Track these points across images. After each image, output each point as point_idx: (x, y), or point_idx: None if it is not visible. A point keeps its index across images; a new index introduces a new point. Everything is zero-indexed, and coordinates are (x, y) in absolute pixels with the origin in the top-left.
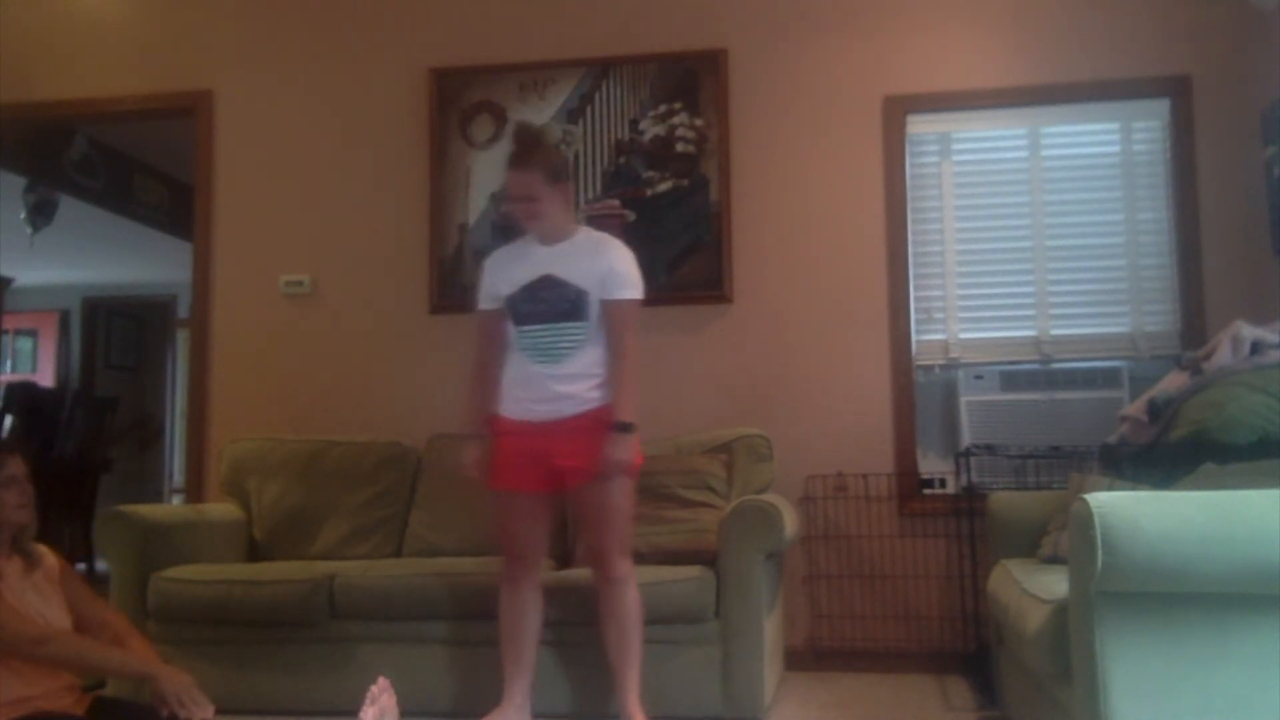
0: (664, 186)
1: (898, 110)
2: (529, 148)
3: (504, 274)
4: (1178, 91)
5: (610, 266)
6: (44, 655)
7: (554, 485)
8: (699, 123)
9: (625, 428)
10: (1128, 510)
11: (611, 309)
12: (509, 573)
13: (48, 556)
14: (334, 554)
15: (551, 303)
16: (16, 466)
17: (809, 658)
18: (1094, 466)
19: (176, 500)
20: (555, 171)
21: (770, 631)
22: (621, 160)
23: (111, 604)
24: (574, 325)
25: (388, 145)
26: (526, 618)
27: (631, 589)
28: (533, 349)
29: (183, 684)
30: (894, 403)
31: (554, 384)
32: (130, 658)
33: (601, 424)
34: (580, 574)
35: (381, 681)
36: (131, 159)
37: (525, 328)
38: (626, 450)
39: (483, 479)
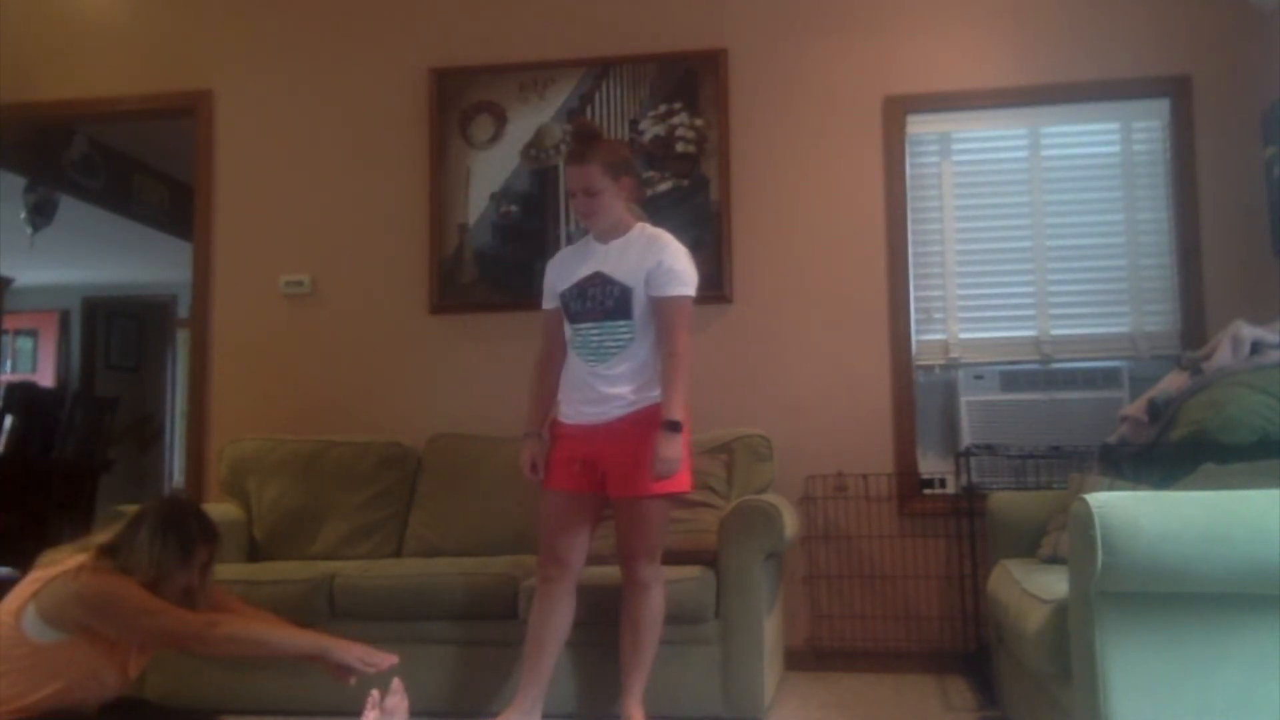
0: (664, 186)
1: (898, 110)
2: (587, 141)
3: (562, 272)
4: (1178, 91)
5: (658, 262)
6: (215, 637)
7: (599, 488)
8: (699, 123)
9: (673, 426)
10: (1128, 510)
11: (659, 306)
12: (544, 573)
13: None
14: (334, 554)
15: (598, 300)
16: (205, 554)
17: (809, 658)
18: (1094, 466)
19: None
20: (615, 165)
21: (770, 631)
22: None
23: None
24: (620, 324)
25: (388, 145)
26: (554, 619)
27: (654, 595)
28: (583, 347)
29: (355, 648)
30: (894, 403)
31: (601, 384)
32: (297, 635)
33: (646, 426)
34: (590, 573)
35: (395, 683)
36: (131, 159)
37: (577, 326)
38: (675, 449)
39: (538, 479)
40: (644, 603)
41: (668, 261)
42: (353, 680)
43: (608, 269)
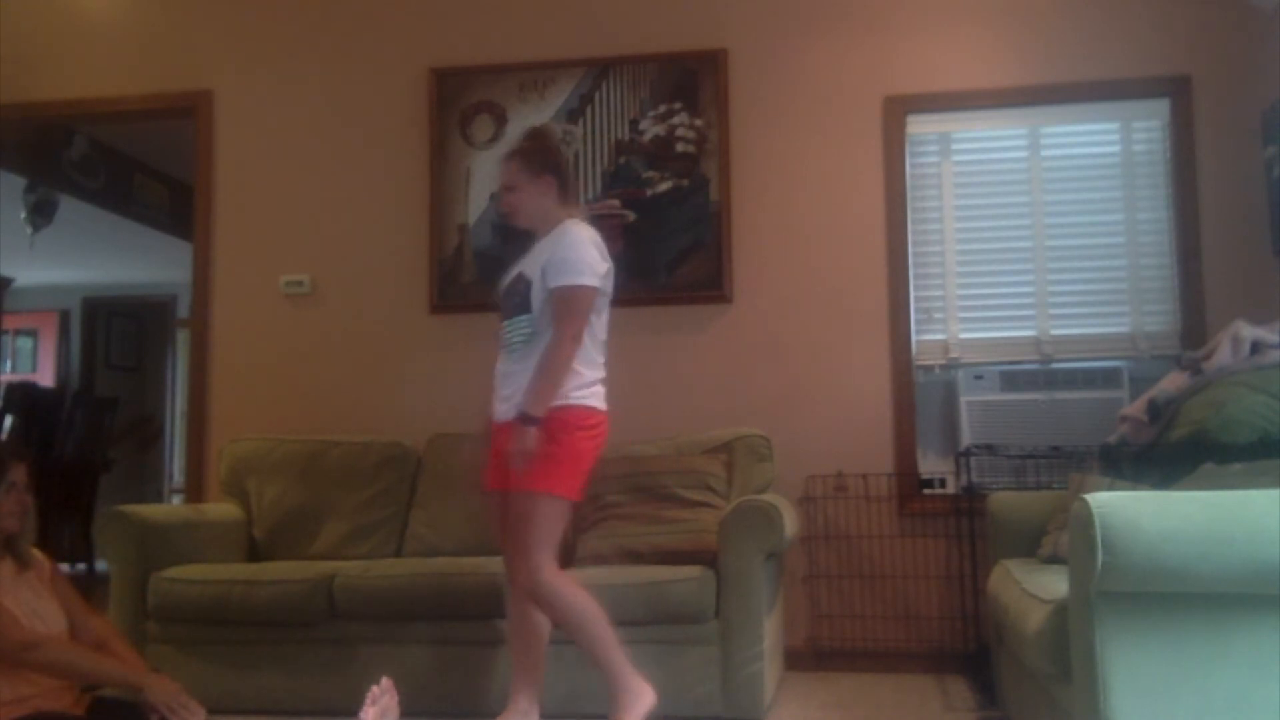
0: (664, 186)
1: (898, 110)
2: (517, 141)
3: (505, 276)
4: (1178, 91)
5: (552, 254)
6: (33, 660)
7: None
8: (699, 123)
9: (525, 419)
10: (1128, 510)
11: (550, 297)
12: (508, 574)
13: (40, 559)
14: (334, 554)
15: (512, 298)
16: (19, 474)
17: (809, 658)
18: (1094, 466)
19: (176, 500)
20: (534, 162)
21: (770, 631)
22: (621, 160)
23: (105, 609)
24: (523, 319)
25: (388, 145)
26: (526, 622)
27: (544, 595)
28: (501, 345)
29: (171, 692)
30: (894, 403)
31: (509, 380)
32: (119, 666)
33: (545, 423)
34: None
35: (384, 682)
36: (131, 159)
37: (501, 324)
38: (524, 441)
39: (472, 480)
40: (543, 610)
41: (560, 252)
42: (155, 717)
43: (524, 267)
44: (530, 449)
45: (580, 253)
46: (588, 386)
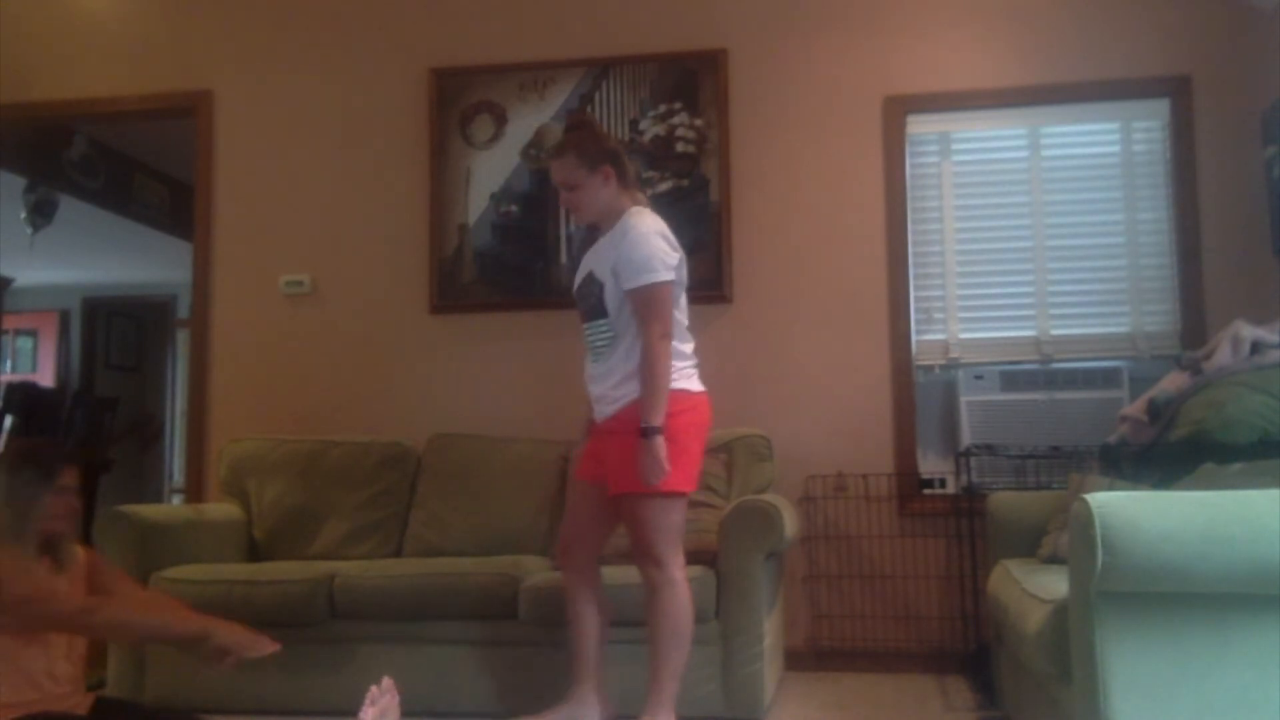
0: (664, 186)
1: (898, 110)
2: (566, 133)
3: (576, 274)
4: (1178, 91)
5: (618, 254)
6: (94, 623)
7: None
8: (699, 123)
9: (647, 432)
10: (1128, 510)
11: (627, 299)
12: (559, 562)
13: (78, 555)
14: (334, 554)
15: (586, 300)
16: (70, 478)
17: (809, 658)
18: (1094, 466)
19: (176, 500)
20: (591, 155)
21: (770, 631)
22: None
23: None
24: (601, 323)
25: (388, 145)
26: (575, 610)
27: (662, 598)
28: (587, 348)
29: (239, 631)
30: (894, 403)
31: (595, 383)
32: (179, 619)
33: (628, 423)
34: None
35: (385, 682)
36: (131, 159)
37: (582, 326)
38: (651, 455)
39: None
40: (650, 605)
41: (626, 251)
42: (229, 660)
43: (593, 265)
44: (661, 460)
45: (648, 248)
46: (674, 371)
